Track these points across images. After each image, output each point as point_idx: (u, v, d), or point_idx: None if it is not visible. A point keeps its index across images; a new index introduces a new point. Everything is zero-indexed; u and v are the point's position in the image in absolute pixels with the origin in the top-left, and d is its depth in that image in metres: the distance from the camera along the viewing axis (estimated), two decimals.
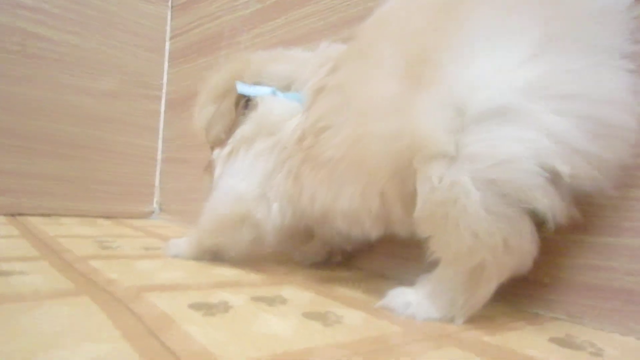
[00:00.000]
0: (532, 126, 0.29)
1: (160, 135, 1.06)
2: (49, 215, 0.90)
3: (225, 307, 0.32)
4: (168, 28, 1.07)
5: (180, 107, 1.00)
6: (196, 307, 0.32)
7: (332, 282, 0.45)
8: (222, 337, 0.26)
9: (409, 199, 0.35)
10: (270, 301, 0.35)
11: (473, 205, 0.30)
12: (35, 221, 0.79)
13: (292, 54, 0.53)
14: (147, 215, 1.04)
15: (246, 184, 0.47)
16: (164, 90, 1.05)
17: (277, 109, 0.47)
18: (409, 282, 0.37)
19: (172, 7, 1.06)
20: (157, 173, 1.05)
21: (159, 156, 1.05)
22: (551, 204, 0.30)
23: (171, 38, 1.06)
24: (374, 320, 0.33)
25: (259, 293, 0.38)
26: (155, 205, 1.05)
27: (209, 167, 0.55)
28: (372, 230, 0.41)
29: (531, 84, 0.29)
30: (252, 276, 0.44)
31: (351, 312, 0.34)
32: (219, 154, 0.52)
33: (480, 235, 0.31)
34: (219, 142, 0.53)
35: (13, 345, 0.22)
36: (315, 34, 0.68)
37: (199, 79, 0.61)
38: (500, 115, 0.30)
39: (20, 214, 0.87)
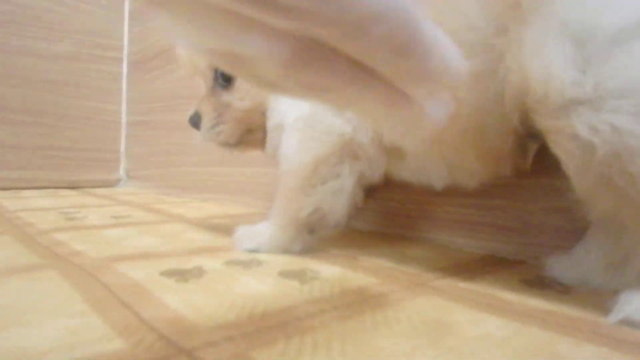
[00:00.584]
0: None
1: (124, 98, 1.02)
2: (7, 188, 0.87)
3: (199, 272, 0.31)
4: None
5: (145, 68, 0.96)
6: (169, 273, 0.31)
7: None
8: (197, 302, 0.25)
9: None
10: (246, 264, 0.34)
11: None
12: None
13: None
14: (114, 183, 1.01)
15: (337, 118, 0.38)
16: (125, 52, 1.01)
17: None
18: None
19: None
20: (123, 138, 1.02)
21: (124, 120, 1.01)
22: None
23: None
24: (351, 273, 0.32)
25: (234, 257, 0.37)
26: (122, 172, 1.02)
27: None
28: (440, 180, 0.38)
29: None
30: (226, 240, 0.43)
31: (327, 268, 0.34)
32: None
33: None
34: None
35: None
36: None
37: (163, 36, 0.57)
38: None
39: None
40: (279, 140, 0.41)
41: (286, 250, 0.39)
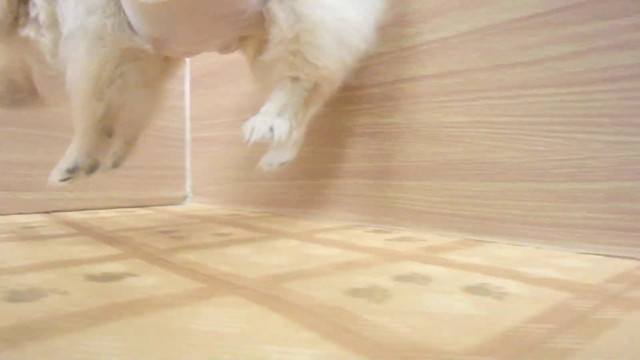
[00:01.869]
0: None
1: (187, 115, 1.02)
2: (81, 209, 0.87)
3: (381, 291, 0.30)
4: None
5: (207, 85, 0.96)
6: (352, 293, 0.30)
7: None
8: (410, 323, 0.24)
9: None
10: (413, 278, 0.33)
11: None
12: (75, 216, 0.77)
13: None
14: (180, 200, 1.01)
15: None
16: (187, 69, 1.01)
17: None
18: None
19: None
20: (188, 155, 1.02)
21: (188, 137, 1.02)
22: None
23: None
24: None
25: (398, 272, 0.35)
26: (188, 189, 1.02)
27: None
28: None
29: None
30: (356, 255, 0.42)
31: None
32: None
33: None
34: None
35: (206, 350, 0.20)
36: None
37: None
38: None
39: (54, 211, 0.84)
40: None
41: (93, 157, 0.45)
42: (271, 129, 0.44)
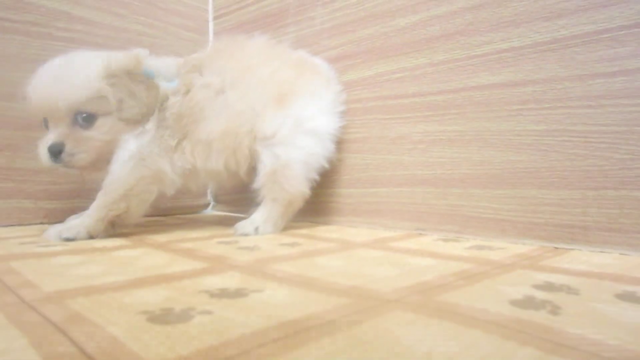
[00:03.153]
0: None
1: None
2: None
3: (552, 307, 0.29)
4: (211, 8, 1.00)
5: None
6: (519, 303, 0.29)
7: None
8: None
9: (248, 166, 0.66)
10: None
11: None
12: None
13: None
14: (202, 208, 0.99)
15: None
16: None
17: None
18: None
19: None
20: None
21: None
22: None
23: (215, 18, 0.99)
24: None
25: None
26: (209, 197, 0.99)
27: None
28: (231, 181, 0.70)
29: None
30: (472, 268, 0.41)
31: None
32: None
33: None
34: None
35: None
36: (420, 5, 0.64)
37: None
38: None
39: None
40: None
41: (93, 236, 0.58)
42: (256, 229, 0.63)
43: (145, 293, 0.32)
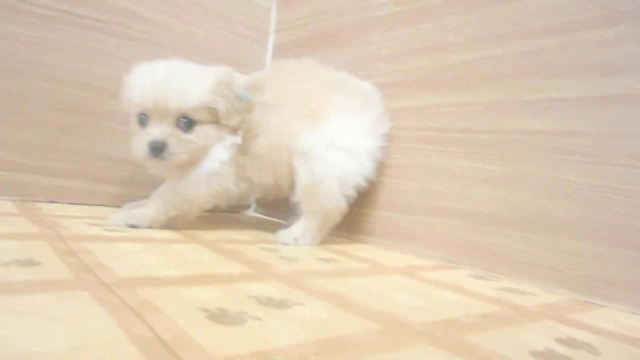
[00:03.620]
0: None
1: None
2: None
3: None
4: (273, 21, 1.04)
5: None
6: (541, 355, 0.30)
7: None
8: None
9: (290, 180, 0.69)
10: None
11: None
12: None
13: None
14: (243, 209, 1.02)
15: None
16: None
17: None
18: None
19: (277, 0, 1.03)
20: None
21: None
22: None
23: (276, 32, 1.03)
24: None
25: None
26: (252, 200, 1.03)
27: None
28: (279, 193, 0.73)
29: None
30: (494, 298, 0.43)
31: None
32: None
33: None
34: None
35: None
36: (476, 43, 0.66)
37: None
38: None
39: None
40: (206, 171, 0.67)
41: (152, 227, 0.64)
42: (295, 240, 0.67)
43: (201, 291, 0.35)
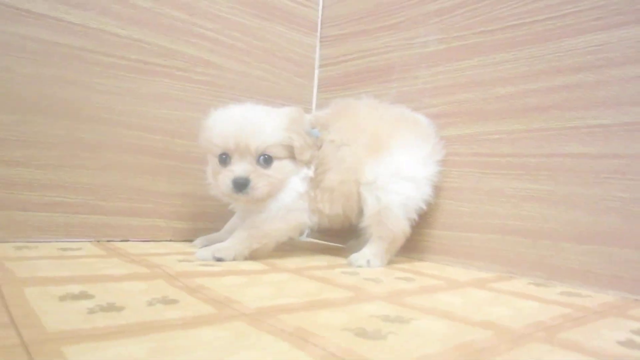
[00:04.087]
0: None
1: None
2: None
3: None
4: (317, 57, 1.14)
5: None
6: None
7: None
8: None
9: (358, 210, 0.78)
10: None
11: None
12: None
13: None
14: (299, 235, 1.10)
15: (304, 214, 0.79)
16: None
17: None
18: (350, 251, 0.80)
19: (320, 38, 1.13)
20: None
21: None
22: None
23: (320, 66, 1.13)
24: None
25: None
26: None
27: None
28: (346, 223, 0.82)
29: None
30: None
31: None
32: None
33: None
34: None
35: None
36: (518, 79, 0.75)
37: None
38: None
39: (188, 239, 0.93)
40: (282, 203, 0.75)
41: (235, 259, 0.71)
42: (368, 262, 0.74)
43: (327, 314, 0.44)
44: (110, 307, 0.41)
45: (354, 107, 0.83)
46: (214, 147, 0.74)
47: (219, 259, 0.70)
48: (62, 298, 0.43)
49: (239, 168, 0.71)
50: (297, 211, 0.75)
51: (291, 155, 0.74)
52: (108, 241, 0.83)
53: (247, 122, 0.72)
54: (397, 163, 0.77)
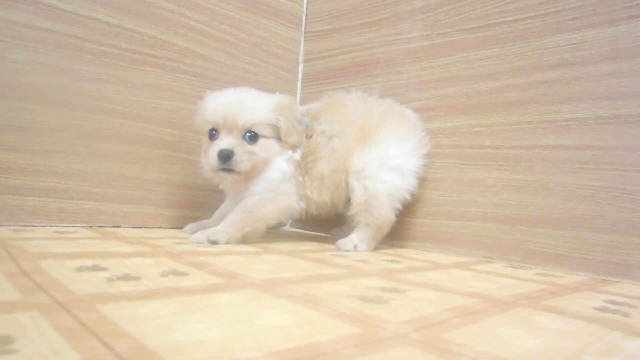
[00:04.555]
0: None
1: None
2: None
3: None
4: (302, 51, 1.17)
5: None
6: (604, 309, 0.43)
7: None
8: None
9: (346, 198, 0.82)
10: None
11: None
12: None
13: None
14: (281, 225, 1.13)
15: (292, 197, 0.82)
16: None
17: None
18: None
19: (304, 33, 1.16)
20: None
21: None
22: None
23: (305, 61, 1.16)
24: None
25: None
26: None
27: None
28: (332, 210, 0.86)
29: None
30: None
31: None
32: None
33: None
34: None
35: None
36: (499, 74, 0.79)
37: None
38: None
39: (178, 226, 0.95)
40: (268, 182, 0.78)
41: (229, 243, 0.73)
42: (355, 247, 0.78)
43: (331, 286, 0.47)
44: (127, 277, 0.43)
45: (343, 100, 0.86)
46: (205, 123, 0.77)
47: (214, 242, 0.72)
48: (79, 269, 0.44)
49: (225, 142, 0.74)
50: (285, 195, 0.78)
51: (277, 135, 0.78)
52: (100, 227, 0.85)
53: (236, 101, 0.76)
54: (383, 153, 0.80)
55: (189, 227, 0.88)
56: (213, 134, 0.76)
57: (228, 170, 0.74)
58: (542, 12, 0.75)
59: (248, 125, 0.74)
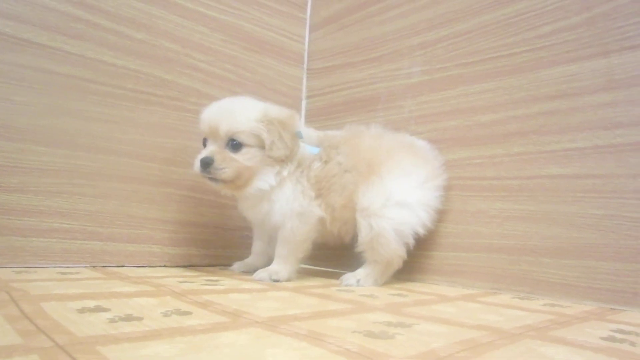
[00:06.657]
0: None
1: None
2: (216, 264, 0.99)
3: None
4: (304, 88, 1.19)
5: None
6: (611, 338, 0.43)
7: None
8: None
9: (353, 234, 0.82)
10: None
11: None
12: (216, 270, 0.90)
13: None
14: None
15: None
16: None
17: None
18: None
19: (307, 70, 1.18)
20: None
21: None
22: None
23: (308, 97, 1.18)
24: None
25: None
26: None
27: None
28: (338, 241, 0.86)
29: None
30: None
31: None
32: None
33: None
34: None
35: None
36: (499, 106, 0.80)
37: None
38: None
39: (191, 265, 0.96)
40: (260, 198, 0.79)
41: (290, 279, 0.78)
42: (357, 281, 0.78)
43: (337, 321, 0.47)
44: (130, 318, 0.43)
45: (362, 135, 0.85)
46: (200, 134, 0.79)
47: (276, 281, 0.76)
48: (81, 311, 0.44)
49: (208, 150, 0.75)
50: (307, 213, 0.78)
51: (263, 146, 0.75)
52: (104, 267, 0.85)
53: (224, 109, 0.76)
54: (388, 189, 0.79)
55: (236, 265, 0.91)
56: (204, 143, 0.78)
57: (212, 178, 0.74)
58: (538, 45, 0.76)
59: (230, 133, 0.73)
